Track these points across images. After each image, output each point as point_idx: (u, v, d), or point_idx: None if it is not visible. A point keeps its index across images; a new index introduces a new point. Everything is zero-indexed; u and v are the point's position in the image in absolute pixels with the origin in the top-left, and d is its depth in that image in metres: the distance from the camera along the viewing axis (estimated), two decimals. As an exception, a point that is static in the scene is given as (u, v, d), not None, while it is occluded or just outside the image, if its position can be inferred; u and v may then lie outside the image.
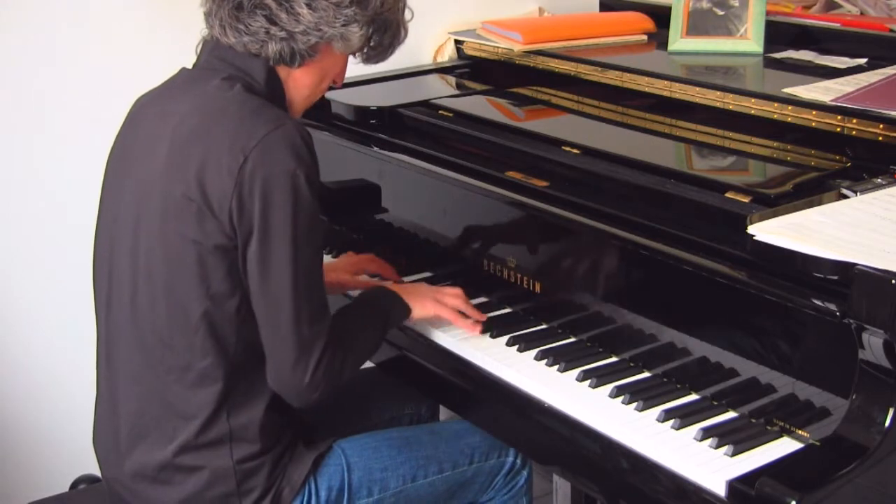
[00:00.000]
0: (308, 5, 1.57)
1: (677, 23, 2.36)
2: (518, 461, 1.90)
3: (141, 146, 1.63)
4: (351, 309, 1.77)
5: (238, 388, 1.62)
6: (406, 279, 2.06)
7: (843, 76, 2.01)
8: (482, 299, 1.95)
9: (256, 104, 1.57)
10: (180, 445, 1.61)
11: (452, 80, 2.52)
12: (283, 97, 1.66)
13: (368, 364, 1.83)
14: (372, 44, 1.69)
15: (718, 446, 1.48)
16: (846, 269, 1.36)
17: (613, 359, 1.74)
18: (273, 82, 1.63)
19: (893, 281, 1.32)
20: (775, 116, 1.90)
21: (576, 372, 1.70)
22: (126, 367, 1.65)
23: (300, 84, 1.67)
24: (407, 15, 1.73)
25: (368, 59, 1.73)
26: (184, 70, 1.70)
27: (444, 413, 2.21)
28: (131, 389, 1.64)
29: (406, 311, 1.80)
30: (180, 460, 1.62)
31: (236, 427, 1.62)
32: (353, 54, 1.71)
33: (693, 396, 1.62)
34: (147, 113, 1.67)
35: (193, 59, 1.69)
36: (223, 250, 1.54)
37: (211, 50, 1.65)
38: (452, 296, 1.85)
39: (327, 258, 2.17)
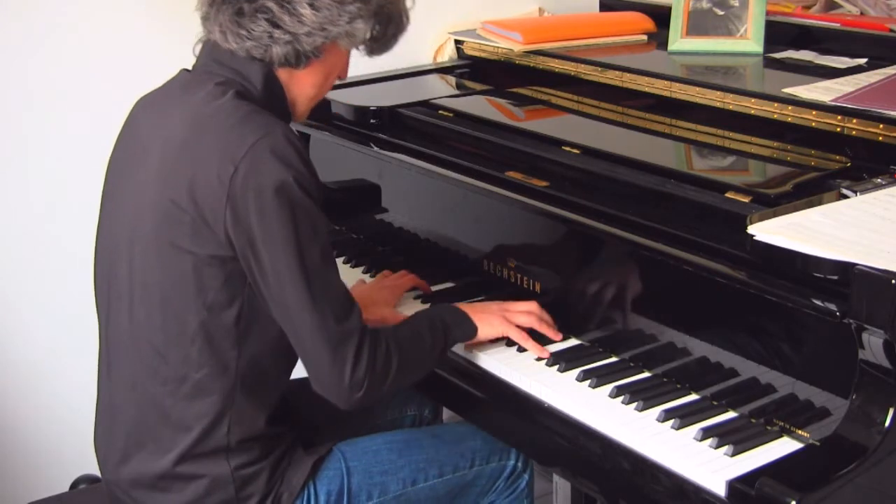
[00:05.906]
0: (311, 5, 1.53)
1: (677, 23, 2.36)
2: (519, 464, 1.89)
3: (135, 155, 1.62)
4: (412, 318, 1.73)
5: (238, 402, 1.60)
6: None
7: (843, 76, 2.00)
8: (481, 299, 1.95)
9: (245, 111, 1.53)
10: (179, 455, 1.60)
11: (452, 80, 2.52)
12: (284, 99, 1.63)
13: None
14: (376, 35, 1.66)
15: (718, 446, 1.48)
16: (846, 269, 1.36)
17: (613, 359, 1.74)
18: (271, 86, 1.60)
19: (893, 281, 1.32)
20: (775, 116, 1.90)
21: (576, 372, 1.70)
22: (125, 376, 1.64)
23: (305, 84, 1.64)
24: (408, 2, 1.69)
25: (372, 52, 1.70)
26: (183, 72, 1.68)
27: (446, 414, 2.21)
28: (130, 398, 1.64)
29: (472, 330, 1.75)
30: (179, 470, 1.61)
31: (235, 440, 1.61)
32: (357, 47, 1.67)
33: (693, 396, 1.62)
34: (143, 118, 1.66)
35: (192, 59, 1.67)
36: (220, 260, 1.52)
37: (209, 52, 1.62)
38: (524, 313, 1.79)
39: (353, 273, 2.14)
